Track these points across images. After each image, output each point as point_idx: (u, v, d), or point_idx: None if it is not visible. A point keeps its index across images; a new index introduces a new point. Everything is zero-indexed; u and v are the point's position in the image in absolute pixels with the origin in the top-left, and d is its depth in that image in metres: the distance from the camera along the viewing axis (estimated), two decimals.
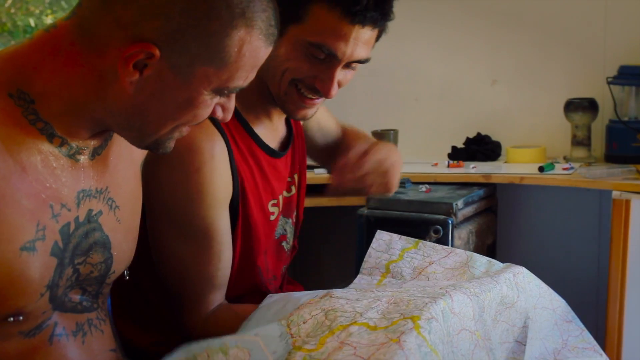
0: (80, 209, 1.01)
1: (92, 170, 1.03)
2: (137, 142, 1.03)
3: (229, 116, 1.03)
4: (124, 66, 0.92)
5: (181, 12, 0.91)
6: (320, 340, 1.01)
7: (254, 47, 0.96)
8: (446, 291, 1.12)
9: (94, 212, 1.04)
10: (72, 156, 0.99)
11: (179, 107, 0.97)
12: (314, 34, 1.26)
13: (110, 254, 1.08)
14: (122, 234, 1.10)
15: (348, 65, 1.31)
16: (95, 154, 1.03)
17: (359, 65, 1.33)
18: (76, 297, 1.06)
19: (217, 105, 1.01)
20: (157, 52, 0.91)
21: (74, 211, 1.00)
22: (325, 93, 1.31)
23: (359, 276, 1.33)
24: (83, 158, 1.01)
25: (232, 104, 1.03)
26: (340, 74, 1.31)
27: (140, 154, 1.18)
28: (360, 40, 1.28)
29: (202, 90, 0.96)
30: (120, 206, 1.09)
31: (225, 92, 0.99)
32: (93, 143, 1.02)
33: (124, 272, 1.14)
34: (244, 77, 0.99)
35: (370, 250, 1.35)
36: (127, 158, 1.11)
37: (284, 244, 1.48)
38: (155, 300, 1.38)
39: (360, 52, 1.29)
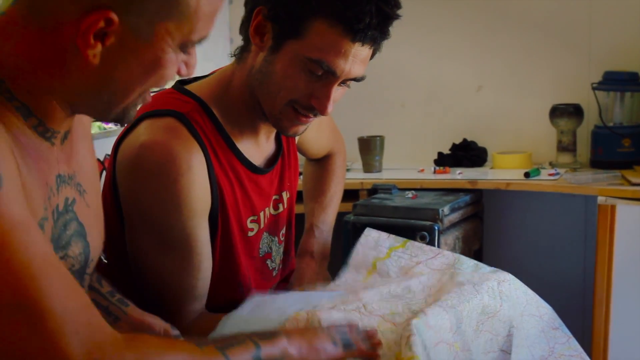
0: (60, 195, 0.97)
1: (63, 155, 0.99)
2: (105, 115, 0.99)
3: (193, 71, 1.01)
4: (84, 39, 0.87)
5: None
6: None
7: None
8: (421, 310, 1.13)
9: (69, 201, 1.00)
10: (49, 139, 0.95)
11: (146, 71, 0.94)
12: (314, 50, 1.26)
13: (86, 242, 1.04)
14: (92, 219, 1.06)
15: (343, 82, 1.33)
16: (64, 138, 0.99)
17: (352, 82, 1.34)
18: None
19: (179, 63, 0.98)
20: (115, 17, 0.87)
21: (56, 197, 0.96)
22: (321, 110, 1.32)
23: (344, 270, 1.32)
24: (57, 142, 0.97)
25: (194, 59, 1.00)
26: (335, 91, 1.31)
27: (91, 127, 1.13)
28: (359, 58, 1.29)
29: (166, 47, 0.93)
30: (87, 190, 1.05)
31: (190, 45, 0.96)
32: (64, 127, 0.98)
33: (100, 258, 1.10)
34: (206, 28, 0.96)
35: (357, 246, 1.35)
36: (83, 136, 1.08)
37: (268, 262, 1.47)
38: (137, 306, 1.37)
39: (358, 70, 1.30)
